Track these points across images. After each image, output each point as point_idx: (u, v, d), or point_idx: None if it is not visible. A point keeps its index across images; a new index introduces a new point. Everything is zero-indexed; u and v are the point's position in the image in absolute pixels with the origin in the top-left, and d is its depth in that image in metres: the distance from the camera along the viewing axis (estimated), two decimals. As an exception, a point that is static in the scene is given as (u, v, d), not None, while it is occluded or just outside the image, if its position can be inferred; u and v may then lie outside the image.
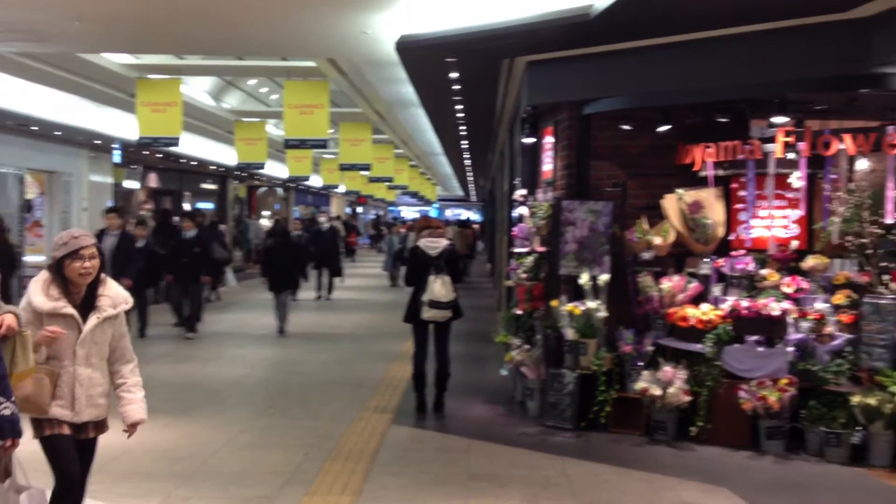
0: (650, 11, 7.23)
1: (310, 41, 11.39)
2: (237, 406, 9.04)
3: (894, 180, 7.57)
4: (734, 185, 8.68)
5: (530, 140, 9.95)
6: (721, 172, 8.53)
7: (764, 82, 7.61)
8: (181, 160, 24.50)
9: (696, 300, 8.23)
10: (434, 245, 8.62)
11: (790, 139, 7.84)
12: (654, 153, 8.78)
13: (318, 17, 9.76)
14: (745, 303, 7.74)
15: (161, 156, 22.89)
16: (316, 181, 34.44)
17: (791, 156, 7.93)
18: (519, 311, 9.21)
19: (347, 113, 22.79)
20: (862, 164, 7.99)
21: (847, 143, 7.62)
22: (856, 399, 7.05)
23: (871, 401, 6.98)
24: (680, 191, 8.44)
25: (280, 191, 40.86)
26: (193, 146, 22.49)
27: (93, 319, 4.27)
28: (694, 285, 8.29)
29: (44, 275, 4.31)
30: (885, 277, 7.56)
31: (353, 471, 6.66)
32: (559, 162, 9.15)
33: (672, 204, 8.44)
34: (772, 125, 8.06)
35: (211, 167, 27.45)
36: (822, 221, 8.08)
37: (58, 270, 4.27)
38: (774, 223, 8.49)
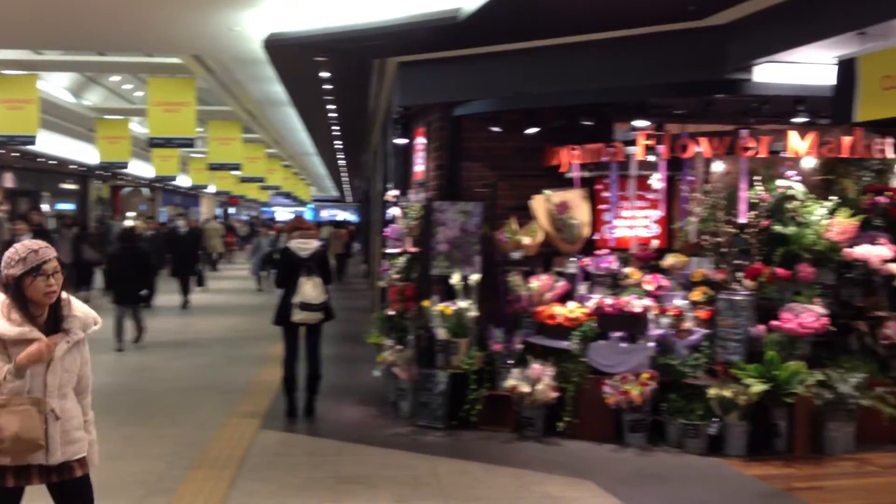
0: (516, 16, 7.34)
1: (175, 37, 11.05)
2: (97, 415, 8.65)
3: (747, 182, 7.95)
4: (599, 187, 8.92)
5: (402, 141, 9.97)
6: (586, 174, 8.76)
7: (626, 86, 7.85)
8: (39, 159, 23.42)
9: (564, 298, 8.42)
10: (305, 246, 8.51)
11: (651, 142, 8.11)
12: (523, 155, 8.93)
13: (183, 13, 9.48)
14: (609, 300, 7.98)
15: (18, 154, 21.81)
16: (184, 181, 33.55)
17: (652, 158, 8.21)
18: (391, 312, 9.20)
19: (216, 111, 22.31)
20: (717, 167, 8.36)
21: (703, 147, 7.95)
22: (712, 391, 7.36)
23: (727, 393, 7.30)
24: (548, 192, 8.62)
25: (146, 191, 39.59)
26: (52, 145, 21.52)
27: (63, 344, 3.70)
28: (561, 284, 8.48)
29: None
30: (739, 274, 7.93)
31: (218, 478, 6.50)
32: (431, 163, 9.20)
33: (540, 204, 8.60)
34: (633, 128, 8.33)
35: (71, 166, 26.36)
36: (681, 221, 8.41)
37: (16, 290, 3.66)
38: (636, 223, 8.79)
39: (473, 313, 8.23)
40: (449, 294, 8.41)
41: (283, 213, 60.15)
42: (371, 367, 9.61)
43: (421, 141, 9.51)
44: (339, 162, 29.79)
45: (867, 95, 5.81)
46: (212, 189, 36.52)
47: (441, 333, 8.19)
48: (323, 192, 61.68)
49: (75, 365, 3.78)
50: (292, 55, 9.95)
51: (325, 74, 10.96)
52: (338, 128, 18.34)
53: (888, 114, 5.85)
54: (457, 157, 8.84)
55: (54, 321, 3.73)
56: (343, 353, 11.93)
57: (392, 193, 9.55)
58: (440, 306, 8.27)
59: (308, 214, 58.66)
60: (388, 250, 9.38)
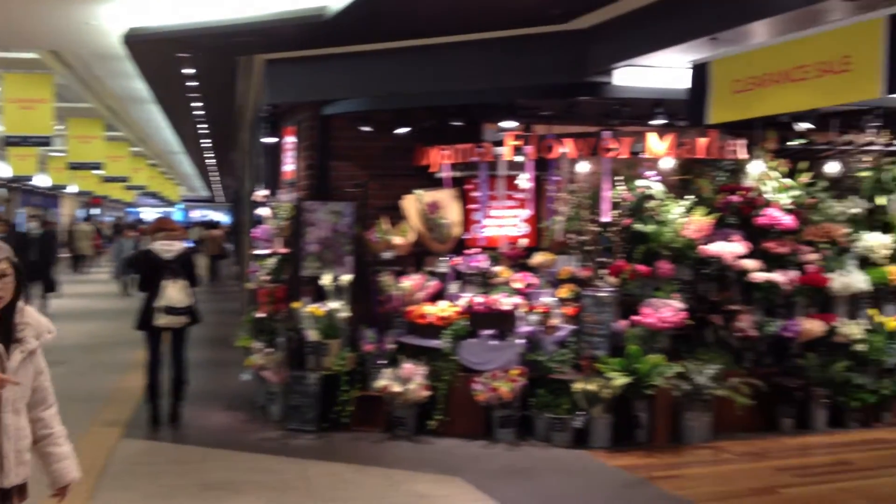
0: (381, 16, 7.34)
1: (29, 31, 10.52)
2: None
3: (609, 182, 8.21)
4: (469, 186, 9.02)
5: (271, 140, 9.81)
6: (457, 174, 8.84)
7: (494, 88, 7.97)
8: None
9: (435, 298, 8.48)
10: (169, 248, 8.26)
11: (518, 143, 8.26)
12: (394, 155, 8.94)
13: (37, 6, 9.03)
14: (479, 299, 8.08)
15: None
16: (43, 181, 32.05)
17: (519, 158, 8.37)
18: (261, 314, 9.04)
19: (76, 108, 21.38)
20: (582, 167, 8.59)
21: (568, 147, 8.15)
22: (578, 386, 7.56)
23: (592, 387, 7.51)
24: (418, 191, 8.66)
25: (3, 191, 37.62)
26: None
27: (17, 354, 3.30)
28: (433, 283, 8.53)
29: None
30: (603, 272, 8.17)
31: (76, 489, 6.21)
32: (301, 162, 9.09)
33: (411, 204, 8.64)
34: (502, 129, 8.46)
35: (-83, 165, 24.78)
36: (548, 220, 8.60)
37: None
38: (505, 222, 8.93)
39: (345, 314, 8.18)
40: (320, 295, 8.34)
41: (150, 214, 58.23)
42: (240, 371, 9.42)
43: (290, 140, 9.39)
44: (209, 161, 29.09)
45: (719, 99, 6.09)
46: (73, 189, 34.99)
47: (312, 335, 8.11)
48: (193, 191, 60.06)
49: (28, 377, 3.40)
50: (153, 51, 9.64)
51: (188, 71, 10.66)
52: (205, 126, 17.90)
53: (739, 116, 6.15)
54: (327, 156, 8.77)
55: (6, 330, 3.33)
56: (212, 357, 11.64)
57: (261, 193, 9.39)
58: (311, 307, 8.19)
59: (177, 215, 57.03)
60: (258, 251, 9.22)
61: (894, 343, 8.39)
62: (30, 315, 3.44)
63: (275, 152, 9.96)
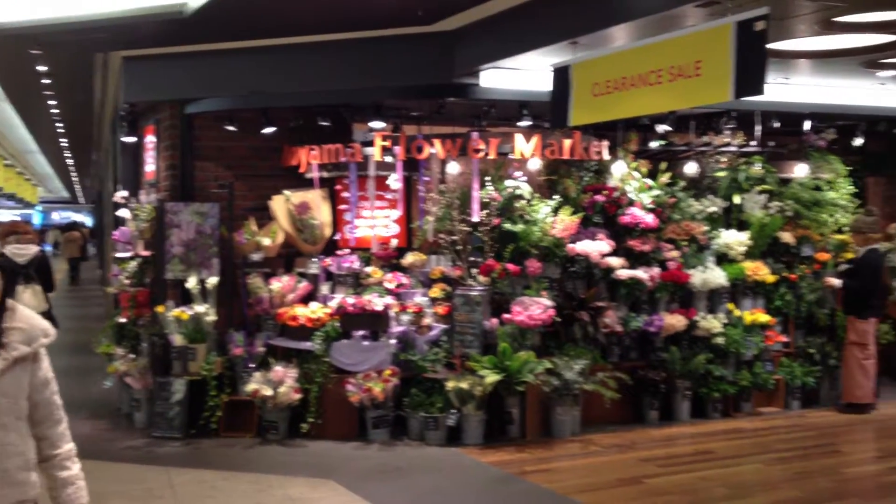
0: (241, 14, 7.20)
1: None
2: None
3: (479, 182, 8.29)
4: (338, 187, 8.96)
5: (131, 139, 9.48)
6: (326, 174, 8.76)
7: (363, 88, 7.94)
8: None
9: (306, 299, 8.37)
10: (22, 252, 7.88)
11: (387, 143, 8.25)
12: (261, 154, 8.79)
13: None
14: (351, 300, 8.02)
15: None
16: None
17: (389, 159, 8.36)
18: (123, 319, 8.72)
19: (-79, 105, 20.10)
20: (452, 167, 8.64)
21: (437, 148, 8.19)
22: (450, 384, 7.61)
23: (464, 385, 7.57)
24: (287, 192, 8.54)
25: None
26: None
27: None
28: (303, 285, 8.43)
29: None
30: (474, 271, 8.25)
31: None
32: (162, 162, 8.82)
33: (280, 205, 8.51)
34: (371, 129, 8.43)
35: None
36: (419, 220, 8.62)
37: None
38: (376, 223, 8.90)
39: (212, 317, 7.98)
40: (185, 298, 8.11)
41: (5, 216, 55.32)
42: (102, 378, 9.07)
43: (151, 139, 9.09)
44: (68, 161, 27.87)
45: (579, 101, 6.24)
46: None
47: (177, 339, 7.88)
48: (52, 192, 57.42)
49: (18, 388, 2.90)
50: (3, 47, 9.15)
51: (42, 68, 10.16)
52: (62, 125, 17.15)
53: (599, 118, 6.33)
54: (190, 156, 8.55)
55: None
56: (72, 364, 11.15)
57: (121, 195, 9.06)
58: (175, 311, 7.96)
59: (36, 217, 54.43)
60: (119, 254, 8.89)
61: (751, 336, 8.80)
62: (22, 318, 2.96)
63: (135, 152, 9.63)
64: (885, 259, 9.60)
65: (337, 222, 8.88)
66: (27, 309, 3.01)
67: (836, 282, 9.07)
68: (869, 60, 7.54)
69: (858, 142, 9.90)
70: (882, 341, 9.47)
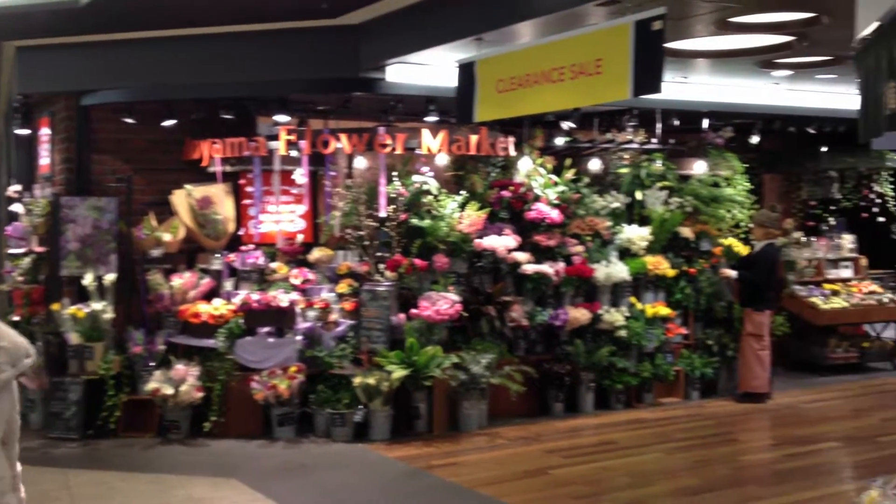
0: (139, 4, 7.01)
1: None
2: None
3: (386, 177, 8.27)
4: (243, 181, 8.82)
5: (24, 132, 9.13)
6: (229, 168, 8.61)
7: (267, 81, 7.83)
8: None
9: (209, 296, 8.23)
10: None
11: (293, 137, 8.15)
12: (161, 148, 8.60)
13: None
14: (255, 296, 7.91)
15: None
16: None
17: (294, 153, 8.26)
18: (16, 318, 8.40)
19: None
20: (359, 162, 8.60)
21: (344, 143, 8.14)
22: (357, 380, 7.57)
23: (371, 380, 7.54)
24: (189, 186, 8.38)
25: None
26: None
27: None
28: (206, 281, 8.28)
29: None
30: (381, 266, 8.23)
31: None
32: (57, 155, 8.55)
33: (181, 200, 8.34)
34: (276, 123, 8.32)
35: None
36: (325, 216, 8.55)
37: None
38: (282, 218, 8.80)
39: (109, 315, 7.77)
40: (82, 295, 7.87)
41: None
42: (-5, 379, 8.71)
43: (46, 132, 8.78)
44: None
45: (484, 97, 6.27)
46: None
47: (73, 338, 7.65)
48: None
49: (2, 410, 2.78)
50: None
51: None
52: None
53: (503, 115, 6.38)
54: (86, 149, 8.30)
55: None
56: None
57: (13, 189, 8.71)
58: (72, 309, 7.71)
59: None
60: (12, 251, 8.56)
61: (653, 329, 9.01)
62: (6, 337, 2.80)
63: (29, 145, 9.28)
64: (782, 254, 9.96)
65: (241, 217, 8.74)
66: (9, 329, 2.87)
67: (731, 273, 9.35)
68: (764, 60, 7.79)
69: (755, 140, 10.22)
70: (777, 333, 9.81)
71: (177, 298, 8.07)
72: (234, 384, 7.64)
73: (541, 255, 8.76)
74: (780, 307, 10.04)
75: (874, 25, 3.92)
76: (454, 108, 6.96)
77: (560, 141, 9.19)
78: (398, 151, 8.21)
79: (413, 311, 7.97)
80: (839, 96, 9.40)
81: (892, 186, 11.42)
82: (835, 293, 10.68)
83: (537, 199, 8.83)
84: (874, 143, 10.10)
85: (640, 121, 9.15)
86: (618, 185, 9.50)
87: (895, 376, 10.62)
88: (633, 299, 9.13)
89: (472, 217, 8.42)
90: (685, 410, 8.93)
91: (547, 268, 8.63)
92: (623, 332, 8.82)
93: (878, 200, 11.42)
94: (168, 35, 7.70)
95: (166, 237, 8.17)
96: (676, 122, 9.36)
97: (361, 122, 8.58)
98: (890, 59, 3.68)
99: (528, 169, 8.89)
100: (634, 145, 9.48)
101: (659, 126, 9.36)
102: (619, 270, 8.98)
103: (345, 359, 7.85)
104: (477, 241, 8.46)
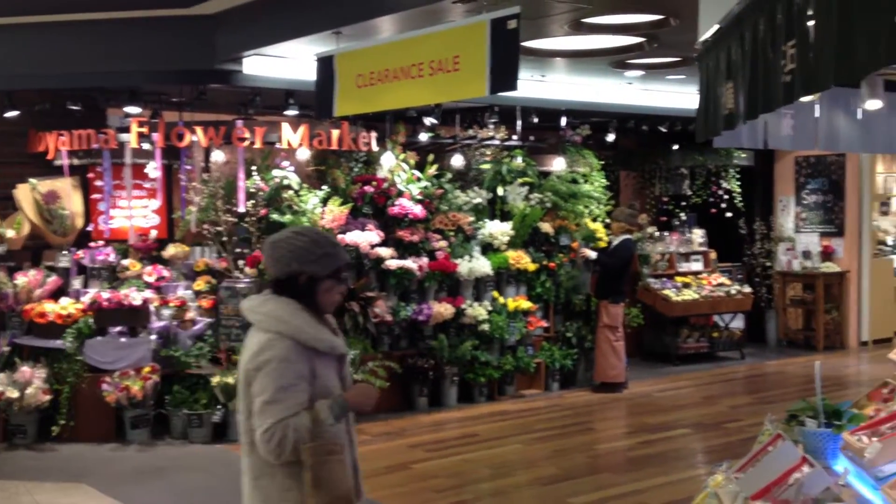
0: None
1: None
2: None
3: (244, 171, 8.09)
4: (91, 175, 8.48)
5: None
6: (77, 161, 8.27)
7: (116, 72, 7.56)
8: None
9: (56, 295, 7.88)
10: None
11: (145, 129, 7.88)
12: (4, 139, 8.22)
13: None
14: (106, 294, 7.61)
15: None
16: None
17: (147, 146, 7.99)
18: None
19: None
20: (217, 156, 8.38)
21: (199, 136, 7.92)
22: (216, 380, 7.39)
23: (230, 379, 7.36)
24: (34, 180, 8.02)
25: None
26: None
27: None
28: (52, 279, 7.94)
29: None
30: (241, 262, 8.05)
31: None
32: None
33: (26, 194, 7.98)
34: (127, 115, 8.03)
35: None
36: (181, 211, 8.31)
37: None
38: (134, 213, 8.49)
39: (-54, 317, 7.33)
40: (-86, 297, 7.38)
41: None
42: None
43: None
44: None
45: (344, 92, 6.21)
46: None
47: None
48: None
49: None
50: None
51: None
52: None
53: (363, 109, 6.34)
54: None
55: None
56: None
57: None
58: None
59: None
60: None
61: (514, 322, 9.17)
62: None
63: None
64: (636, 248, 10.32)
65: (90, 212, 8.41)
66: None
67: (591, 253, 9.63)
68: (617, 61, 8.04)
69: (611, 138, 10.54)
70: (632, 324, 10.16)
71: (21, 297, 7.69)
72: (84, 386, 7.36)
73: (404, 250, 8.77)
74: (634, 299, 10.40)
75: (714, 28, 4.10)
76: (314, 102, 6.87)
77: (423, 137, 9.21)
78: (257, 145, 8.06)
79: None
80: (688, 96, 9.80)
81: (739, 183, 11.99)
82: (686, 286, 11.14)
83: (400, 194, 8.84)
84: (717, 141, 10.53)
85: (500, 118, 9.29)
86: (480, 180, 9.62)
87: (742, 365, 11.16)
88: (495, 293, 9.26)
89: (334, 212, 8.35)
90: (546, 401, 9.14)
91: (410, 263, 8.65)
92: (486, 326, 8.94)
93: (727, 196, 11.98)
94: (10, 22, 7.31)
95: (9, 233, 7.83)
96: (536, 120, 9.56)
97: (219, 114, 8.36)
98: (728, 60, 3.86)
99: (391, 164, 8.88)
100: (496, 142, 9.62)
101: (519, 123, 9.53)
102: (481, 265, 9.09)
103: (202, 358, 7.65)
104: (340, 236, 8.39)
